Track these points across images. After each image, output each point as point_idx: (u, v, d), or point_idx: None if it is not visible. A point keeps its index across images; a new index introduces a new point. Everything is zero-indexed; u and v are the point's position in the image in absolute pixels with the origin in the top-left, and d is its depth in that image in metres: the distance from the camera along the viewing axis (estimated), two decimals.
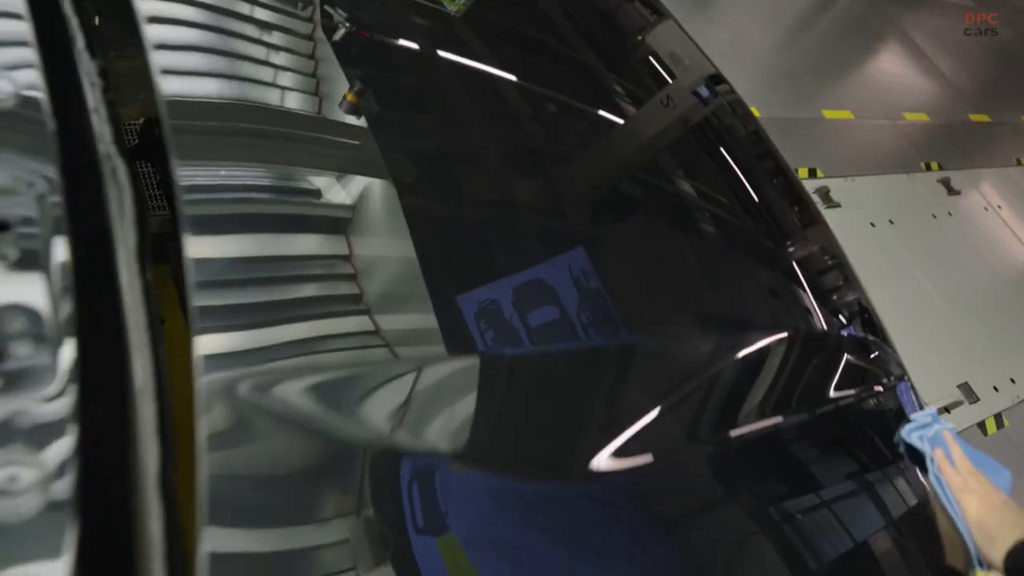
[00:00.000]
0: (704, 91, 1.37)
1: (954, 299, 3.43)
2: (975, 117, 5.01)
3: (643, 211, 1.05)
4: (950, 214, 3.93)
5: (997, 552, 0.85)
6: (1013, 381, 3.24)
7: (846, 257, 1.34)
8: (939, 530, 0.94)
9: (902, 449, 1.04)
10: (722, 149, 1.34)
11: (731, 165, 1.31)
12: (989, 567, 0.88)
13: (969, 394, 3.04)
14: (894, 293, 3.24)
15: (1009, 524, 0.88)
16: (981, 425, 2.97)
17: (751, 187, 1.28)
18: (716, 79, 1.42)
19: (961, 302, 3.46)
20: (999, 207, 4.29)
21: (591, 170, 1.08)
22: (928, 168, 4.17)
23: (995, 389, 3.13)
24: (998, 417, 3.04)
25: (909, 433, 1.03)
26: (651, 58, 1.39)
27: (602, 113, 1.17)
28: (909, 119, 4.49)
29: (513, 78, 1.06)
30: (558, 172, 1.01)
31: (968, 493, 0.93)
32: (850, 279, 1.31)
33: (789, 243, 1.26)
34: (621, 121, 1.18)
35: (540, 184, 0.97)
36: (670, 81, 1.35)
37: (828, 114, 4.06)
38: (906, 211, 3.71)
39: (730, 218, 1.19)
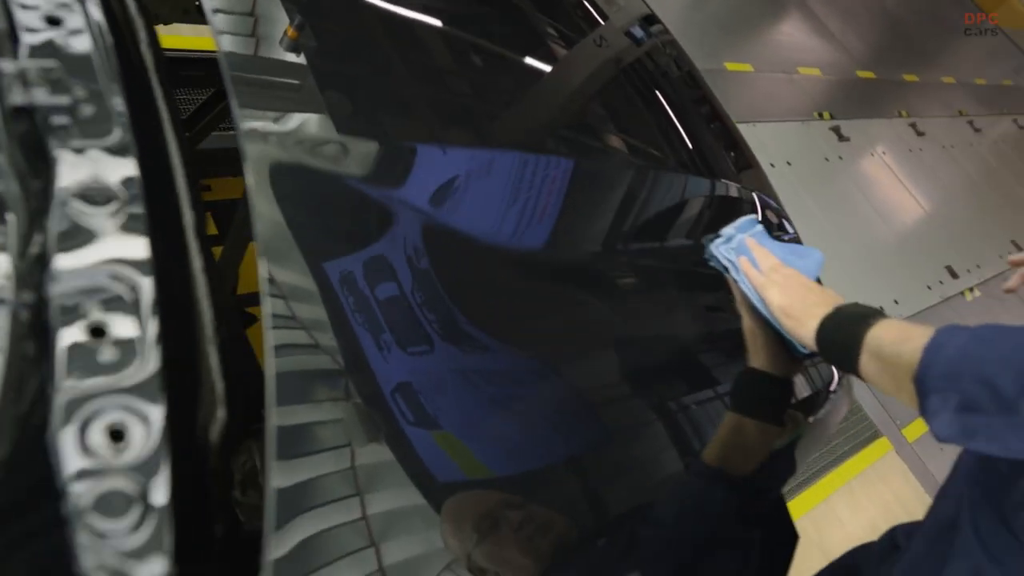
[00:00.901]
0: (638, 32, 1.50)
1: (843, 230, 3.78)
2: (862, 74, 5.42)
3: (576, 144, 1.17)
4: (841, 158, 4.29)
5: (807, 331, 0.88)
6: (896, 302, 3.61)
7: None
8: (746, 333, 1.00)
9: (713, 263, 1.06)
10: (658, 89, 1.44)
11: (667, 105, 1.43)
12: (806, 348, 0.93)
13: None
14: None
15: (812, 304, 0.90)
16: None
17: (685, 127, 1.41)
18: (650, 19, 1.55)
19: (848, 234, 3.81)
20: (884, 153, 4.69)
21: (529, 107, 1.16)
22: (821, 117, 4.52)
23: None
24: None
25: (717, 247, 1.05)
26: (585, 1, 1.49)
27: (537, 53, 1.23)
28: (803, 73, 4.83)
29: (442, 24, 1.11)
30: (493, 111, 1.08)
31: (771, 287, 0.95)
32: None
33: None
34: (554, 61, 1.24)
35: (475, 126, 1.04)
36: (602, 23, 1.46)
37: (731, 66, 4.34)
38: (802, 154, 4.04)
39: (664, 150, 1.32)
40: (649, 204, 1.15)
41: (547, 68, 1.22)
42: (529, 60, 1.22)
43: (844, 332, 0.85)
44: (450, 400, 0.74)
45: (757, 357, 0.99)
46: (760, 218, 1.19)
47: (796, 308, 0.92)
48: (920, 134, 5.21)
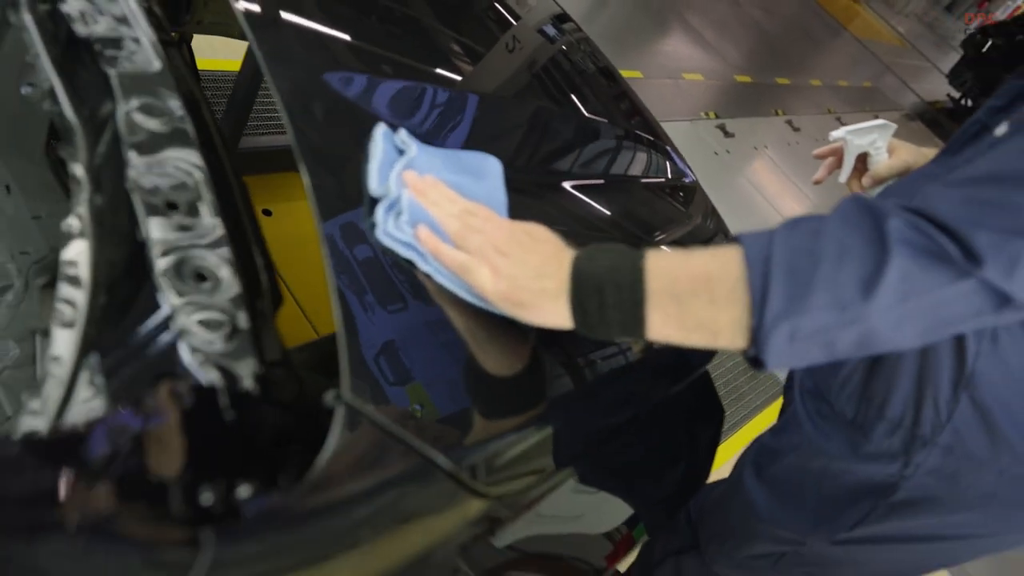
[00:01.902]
0: (551, 30, 1.67)
1: (737, 214, 4.13)
2: (739, 78, 5.89)
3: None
4: (728, 152, 4.67)
5: (553, 315, 0.68)
6: None
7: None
8: None
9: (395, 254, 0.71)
10: (577, 82, 1.60)
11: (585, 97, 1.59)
12: None
13: None
14: None
15: (541, 273, 0.67)
16: None
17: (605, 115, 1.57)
18: (562, 18, 1.73)
19: (742, 217, 4.16)
20: (766, 147, 5.12)
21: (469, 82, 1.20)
22: (707, 116, 4.90)
23: None
24: None
25: (386, 230, 0.69)
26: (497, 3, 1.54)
27: (453, 56, 1.27)
28: (688, 78, 5.22)
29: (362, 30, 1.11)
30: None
31: (476, 268, 0.68)
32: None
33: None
34: (470, 63, 1.28)
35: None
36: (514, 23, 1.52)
37: (623, 73, 4.66)
38: (694, 148, 4.38)
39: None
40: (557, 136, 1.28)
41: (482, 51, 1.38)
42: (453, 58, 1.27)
43: (611, 294, 0.64)
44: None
45: (493, 360, 0.77)
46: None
47: (523, 289, 0.67)
48: (796, 129, 5.70)
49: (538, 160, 1.16)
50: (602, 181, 1.27)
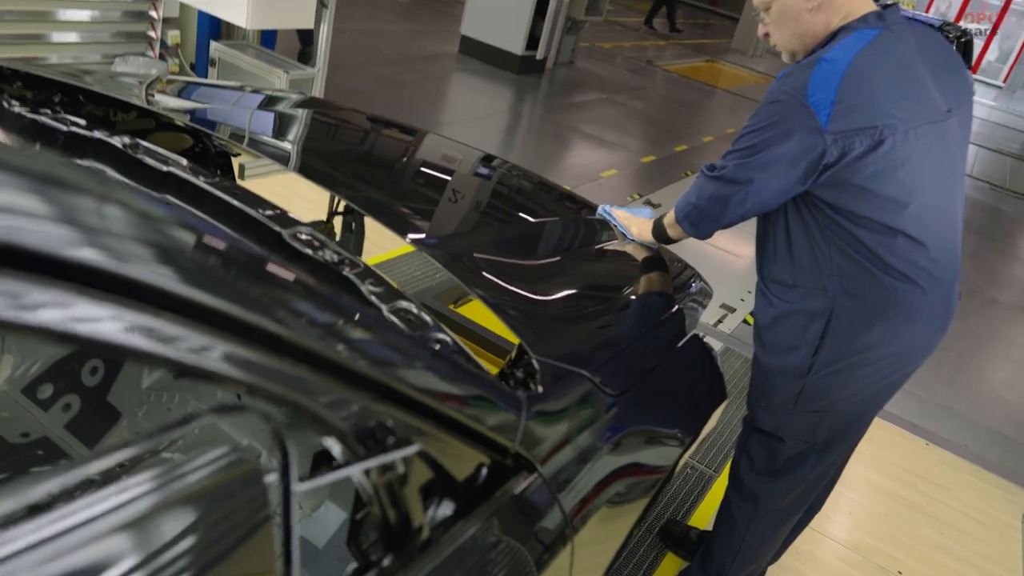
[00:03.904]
0: (485, 169, 2.51)
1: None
2: (645, 159, 6.87)
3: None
4: None
5: (647, 236, 1.99)
6: (743, 300, 4.70)
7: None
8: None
9: (604, 218, 2.15)
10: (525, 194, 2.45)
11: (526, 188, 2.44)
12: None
13: (728, 308, 4.43)
14: None
15: (644, 228, 2.00)
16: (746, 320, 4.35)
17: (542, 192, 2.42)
18: (488, 157, 2.58)
19: (694, 263, 4.94)
20: None
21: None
22: (633, 199, 5.79)
23: (742, 300, 4.56)
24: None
25: (606, 212, 2.16)
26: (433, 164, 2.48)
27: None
28: (606, 175, 6.16)
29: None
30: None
31: (628, 222, 2.08)
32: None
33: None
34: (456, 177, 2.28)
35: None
36: (454, 171, 2.45)
37: None
38: None
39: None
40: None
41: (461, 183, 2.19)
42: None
43: (658, 230, 1.94)
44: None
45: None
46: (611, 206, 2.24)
47: (641, 231, 2.02)
48: None
49: (557, 246, 1.95)
50: (592, 250, 2.03)
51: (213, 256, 0.72)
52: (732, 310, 4.46)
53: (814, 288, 1.66)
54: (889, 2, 1.68)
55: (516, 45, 8.43)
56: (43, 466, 1.91)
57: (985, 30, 19.86)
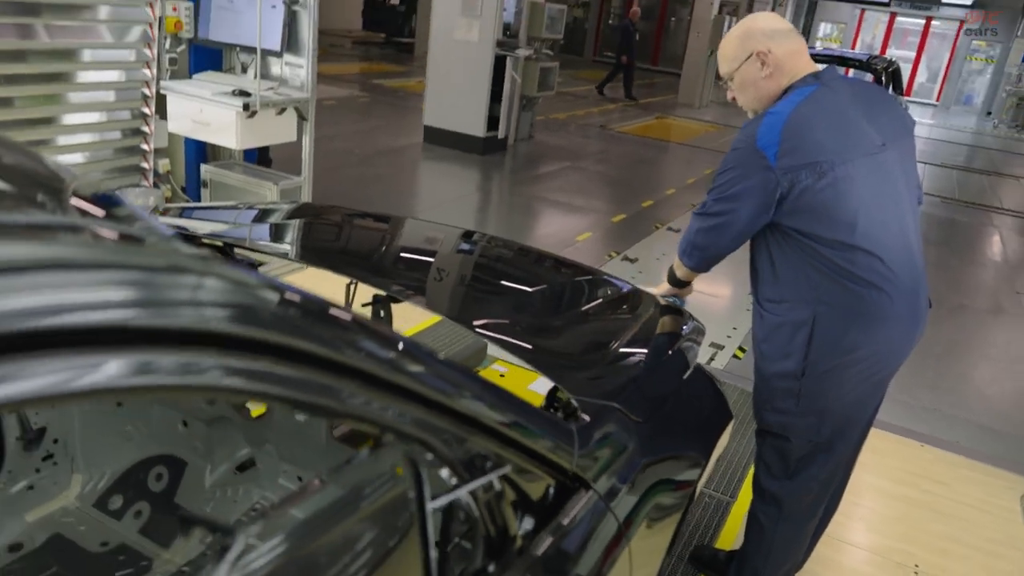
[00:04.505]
0: (468, 245, 2.78)
1: None
2: (616, 219, 7.23)
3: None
4: (640, 272, 5.81)
5: (664, 285, 2.38)
6: (728, 336, 4.97)
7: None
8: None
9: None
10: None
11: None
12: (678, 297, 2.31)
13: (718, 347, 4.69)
14: None
15: (665, 288, 2.37)
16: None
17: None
18: (470, 233, 2.86)
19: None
20: (664, 253, 6.32)
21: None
22: (611, 256, 6.10)
23: (728, 336, 4.83)
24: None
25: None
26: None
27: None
28: (581, 239, 6.48)
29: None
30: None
31: (655, 289, 2.37)
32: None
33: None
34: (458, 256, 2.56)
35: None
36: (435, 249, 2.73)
37: None
38: None
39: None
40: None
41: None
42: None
43: (670, 276, 2.33)
44: None
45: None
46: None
47: (660, 287, 2.39)
48: (677, 230, 6.99)
49: (568, 304, 2.20)
50: (599, 303, 2.29)
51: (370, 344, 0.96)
52: (721, 347, 4.72)
53: (797, 301, 1.96)
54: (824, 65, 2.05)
55: (478, 128, 8.89)
56: (126, 570, 2.08)
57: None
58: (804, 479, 2.11)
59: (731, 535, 2.93)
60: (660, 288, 2.42)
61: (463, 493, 1.01)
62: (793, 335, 1.96)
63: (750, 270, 2.13)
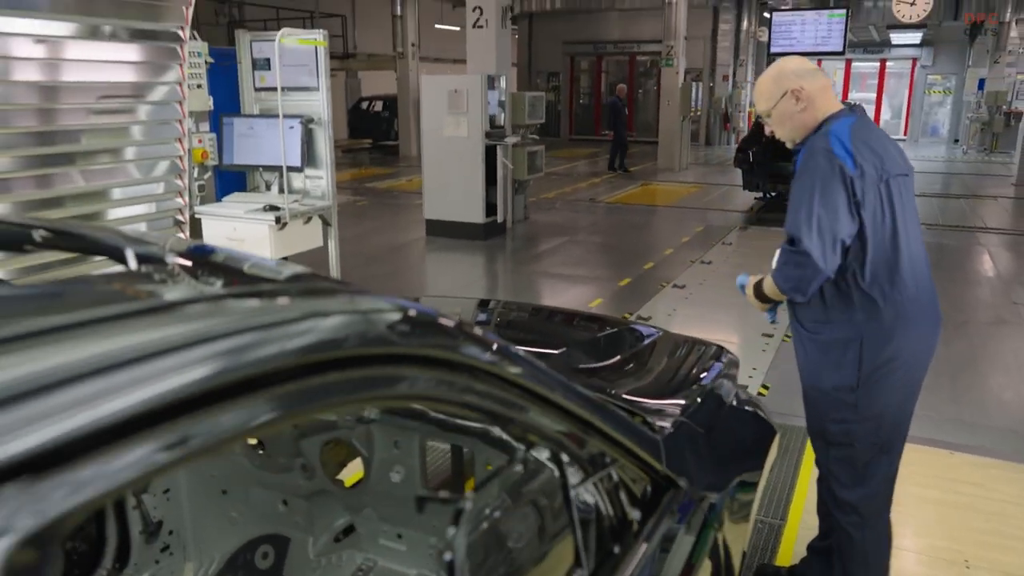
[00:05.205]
0: (483, 315, 3.07)
1: None
2: (622, 283, 7.55)
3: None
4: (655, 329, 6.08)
5: (754, 300, 2.39)
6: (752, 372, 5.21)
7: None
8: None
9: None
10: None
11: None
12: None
13: None
14: None
15: (749, 290, 2.40)
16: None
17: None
18: (485, 302, 3.14)
19: None
20: (674, 309, 6.61)
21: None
22: (626, 317, 6.39)
23: (749, 376, 5.06)
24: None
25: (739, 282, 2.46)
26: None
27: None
28: (593, 305, 6.78)
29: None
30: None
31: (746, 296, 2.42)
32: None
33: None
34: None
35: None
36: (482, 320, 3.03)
37: None
38: None
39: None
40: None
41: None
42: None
43: (757, 292, 2.35)
44: None
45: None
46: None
47: (753, 304, 2.41)
48: (682, 287, 7.31)
49: (597, 358, 2.47)
50: (628, 353, 2.56)
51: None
52: (744, 387, 4.95)
53: (843, 321, 2.20)
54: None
55: (477, 215, 9.32)
56: None
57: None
58: (874, 481, 2.33)
59: (787, 554, 3.11)
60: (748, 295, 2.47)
61: (590, 483, 1.26)
62: (844, 352, 2.21)
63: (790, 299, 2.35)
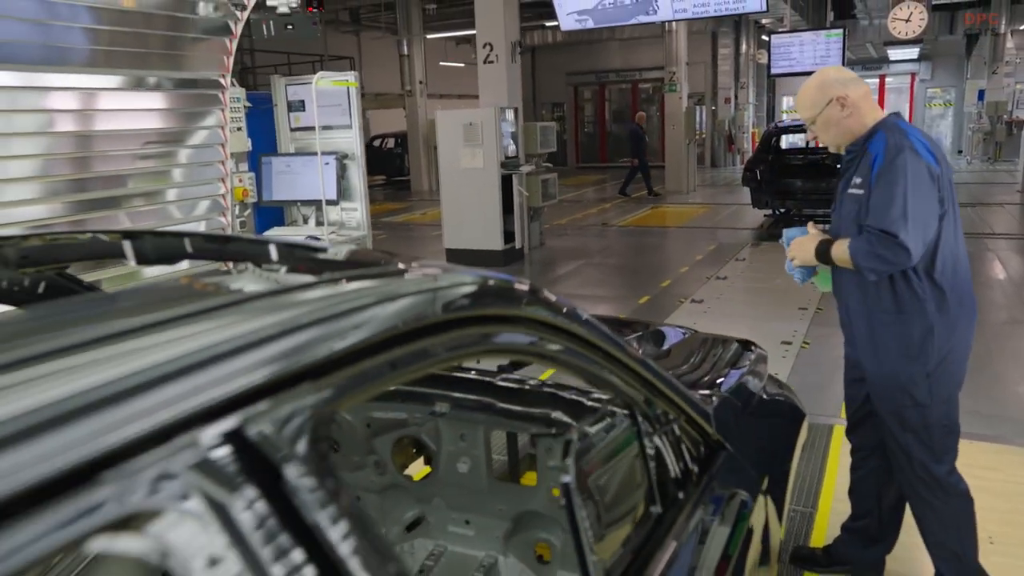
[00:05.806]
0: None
1: None
2: (641, 300, 7.79)
3: None
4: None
5: (809, 256, 2.40)
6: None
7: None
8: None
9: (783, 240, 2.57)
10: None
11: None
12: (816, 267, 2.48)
13: None
14: None
15: (809, 250, 2.39)
16: None
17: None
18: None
19: None
20: (695, 322, 6.83)
21: None
22: None
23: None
24: None
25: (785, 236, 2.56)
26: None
27: None
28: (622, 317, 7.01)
29: None
30: None
31: (794, 254, 2.48)
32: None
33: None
34: None
35: None
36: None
37: None
38: None
39: None
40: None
41: None
42: None
43: (821, 251, 2.36)
44: None
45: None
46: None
47: (805, 257, 2.45)
48: (700, 301, 7.54)
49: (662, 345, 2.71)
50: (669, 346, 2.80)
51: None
52: (776, 373, 5.15)
53: (916, 312, 2.32)
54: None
55: (495, 242, 9.61)
56: None
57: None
58: (948, 457, 2.53)
59: (820, 539, 3.30)
60: (800, 256, 2.51)
61: (658, 436, 1.50)
62: (919, 342, 2.35)
63: (854, 293, 2.46)
